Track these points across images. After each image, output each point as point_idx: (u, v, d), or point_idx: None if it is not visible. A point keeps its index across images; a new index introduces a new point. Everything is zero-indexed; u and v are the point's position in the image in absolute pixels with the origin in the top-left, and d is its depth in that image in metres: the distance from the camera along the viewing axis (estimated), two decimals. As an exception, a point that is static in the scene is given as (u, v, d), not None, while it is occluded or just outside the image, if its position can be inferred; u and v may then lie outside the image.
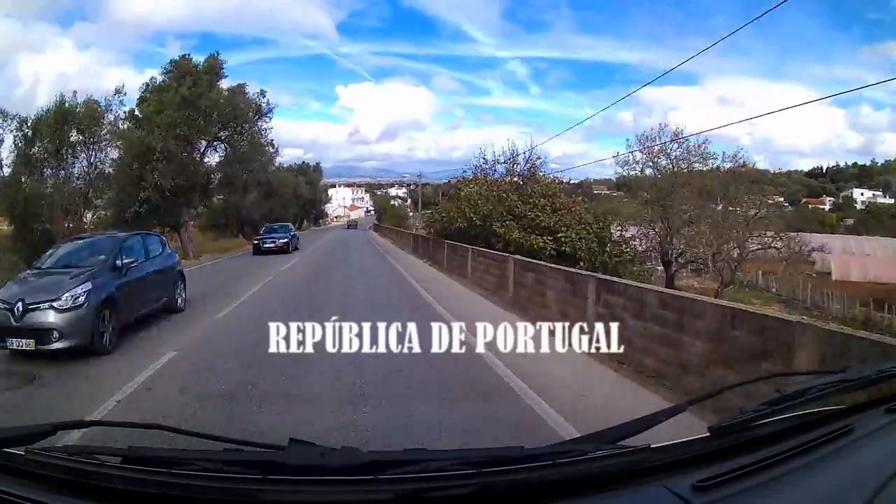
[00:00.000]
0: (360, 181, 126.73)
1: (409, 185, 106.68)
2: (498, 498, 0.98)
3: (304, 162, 64.29)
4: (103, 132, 19.08)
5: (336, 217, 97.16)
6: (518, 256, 10.32)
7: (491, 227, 14.97)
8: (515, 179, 18.40)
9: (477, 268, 12.76)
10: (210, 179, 24.98)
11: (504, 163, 19.19)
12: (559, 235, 13.89)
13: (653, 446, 1.06)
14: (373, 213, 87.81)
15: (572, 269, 8.35)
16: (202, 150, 23.82)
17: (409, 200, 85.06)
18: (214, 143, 23.95)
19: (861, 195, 77.56)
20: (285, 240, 23.21)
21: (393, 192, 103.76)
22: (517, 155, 18.91)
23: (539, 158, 18.62)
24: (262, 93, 24.48)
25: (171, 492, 0.98)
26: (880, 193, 77.19)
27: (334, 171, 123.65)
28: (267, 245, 22.55)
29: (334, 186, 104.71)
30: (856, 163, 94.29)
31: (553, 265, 8.83)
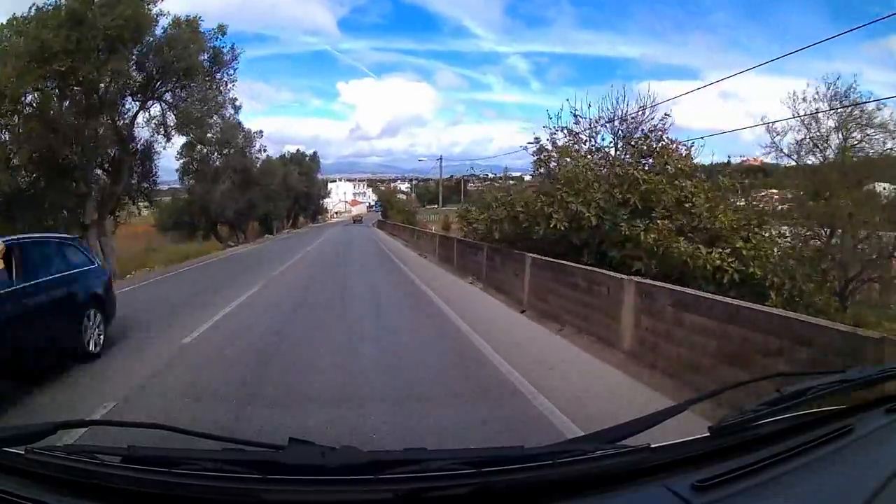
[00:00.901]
0: (362, 177, 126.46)
1: (412, 180, 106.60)
2: (497, 497, 0.97)
3: (298, 150, 57.17)
4: None
5: (336, 213, 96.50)
6: None
7: (617, 230, 8.43)
8: (619, 150, 10.92)
9: (701, 348, 4.60)
10: (148, 156, 17.68)
11: (609, 122, 11.02)
12: (738, 247, 7.84)
13: (653, 446, 1.06)
14: (374, 207, 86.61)
15: None
16: (133, 114, 16.20)
17: (414, 194, 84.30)
18: (149, 102, 16.08)
19: (883, 189, 76.31)
20: None
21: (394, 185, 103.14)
22: (628, 111, 11.03)
23: (668, 116, 10.63)
24: (222, 31, 16.47)
25: (171, 491, 0.98)
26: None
27: (335, 166, 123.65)
28: None
29: (335, 181, 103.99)
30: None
31: None
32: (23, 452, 1.07)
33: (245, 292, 10.19)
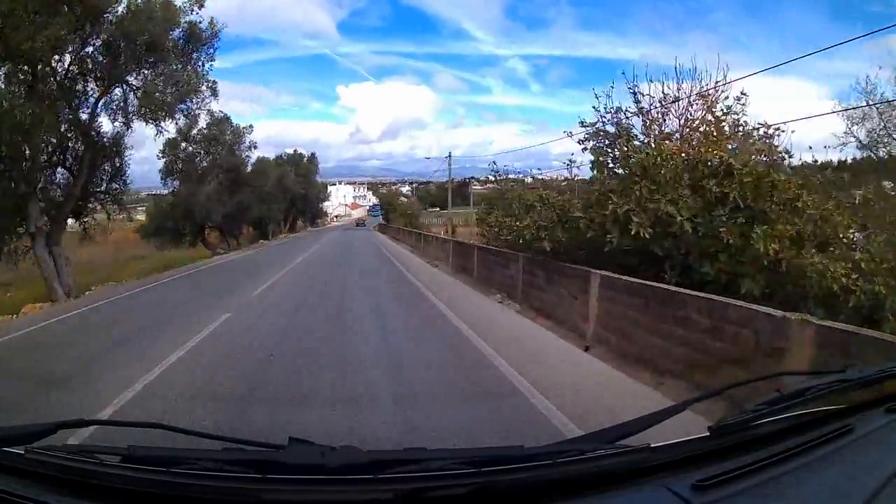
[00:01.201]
0: (362, 180, 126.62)
1: (412, 183, 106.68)
2: (498, 497, 0.97)
3: (295, 150, 54.39)
4: None
5: (336, 216, 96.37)
6: None
7: (715, 237, 6.40)
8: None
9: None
10: (117, 152, 15.11)
11: (675, 101, 8.93)
12: (857, 258, 6.03)
13: (653, 446, 1.06)
14: (373, 211, 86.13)
15: None
16: (94, 103, 13.84)
17: (415, 197, 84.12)
18: (113, 86, 13.78)
19: (897, 188, 75.21)
20: None
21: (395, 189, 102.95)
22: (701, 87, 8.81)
23: (747, 95, 8.47)
24: (199, 2, 13.95)
25: (171, 491, 0.98)
26: (913, 187, 75.38)
27: (336, 170, 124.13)
28: None
29: (335, 185, 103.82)
30: (871, 155, 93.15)
31: None
32: (23, 452, 1.07)
33: (206, 327, 7.31)
